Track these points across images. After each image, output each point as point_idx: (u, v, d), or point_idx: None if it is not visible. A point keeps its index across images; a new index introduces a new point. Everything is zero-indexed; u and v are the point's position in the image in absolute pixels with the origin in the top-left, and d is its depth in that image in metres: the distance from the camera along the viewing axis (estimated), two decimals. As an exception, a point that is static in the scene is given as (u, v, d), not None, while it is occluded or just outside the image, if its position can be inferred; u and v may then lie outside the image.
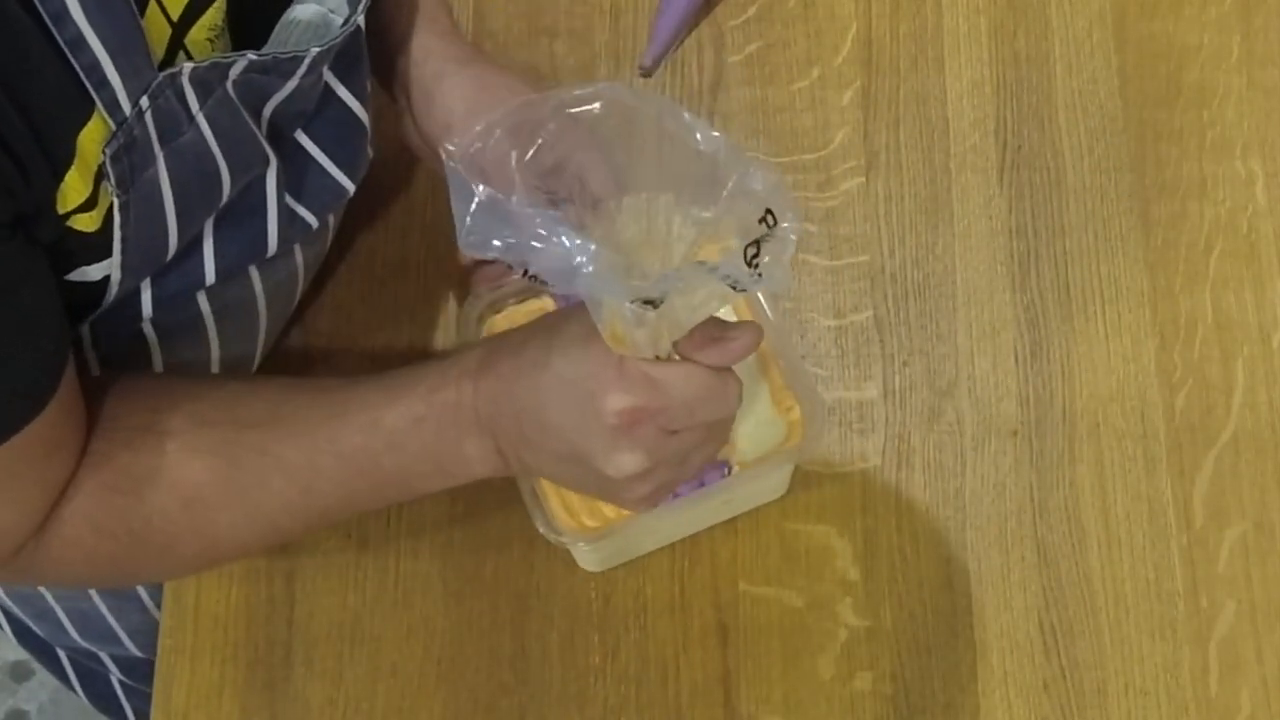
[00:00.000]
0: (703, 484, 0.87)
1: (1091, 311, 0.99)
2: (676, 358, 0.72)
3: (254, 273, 0.86)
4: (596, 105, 0.69)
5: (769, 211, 0.66)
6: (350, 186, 0.86)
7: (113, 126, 0.68)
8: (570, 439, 0.74)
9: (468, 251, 0.68)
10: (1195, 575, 0.92)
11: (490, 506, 0.94)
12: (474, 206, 0.67)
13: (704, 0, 1.06)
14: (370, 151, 0.88)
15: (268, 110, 0.79)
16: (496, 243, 0.67)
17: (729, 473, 0.87)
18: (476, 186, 0.67)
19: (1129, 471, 0.95)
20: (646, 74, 1.05)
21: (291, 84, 0.77)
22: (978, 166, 1.03)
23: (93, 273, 0.74)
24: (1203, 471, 0.95)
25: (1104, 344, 0.98)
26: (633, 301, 0.66)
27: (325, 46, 0.77)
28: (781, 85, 1.06)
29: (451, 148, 0.68)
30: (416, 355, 0.99)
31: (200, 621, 0.93)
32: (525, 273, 0.67)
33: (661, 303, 0.66)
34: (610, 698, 0.91)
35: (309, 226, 0.86)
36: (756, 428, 0.88)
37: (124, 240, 0.72)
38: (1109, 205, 1.01)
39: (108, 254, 0.73)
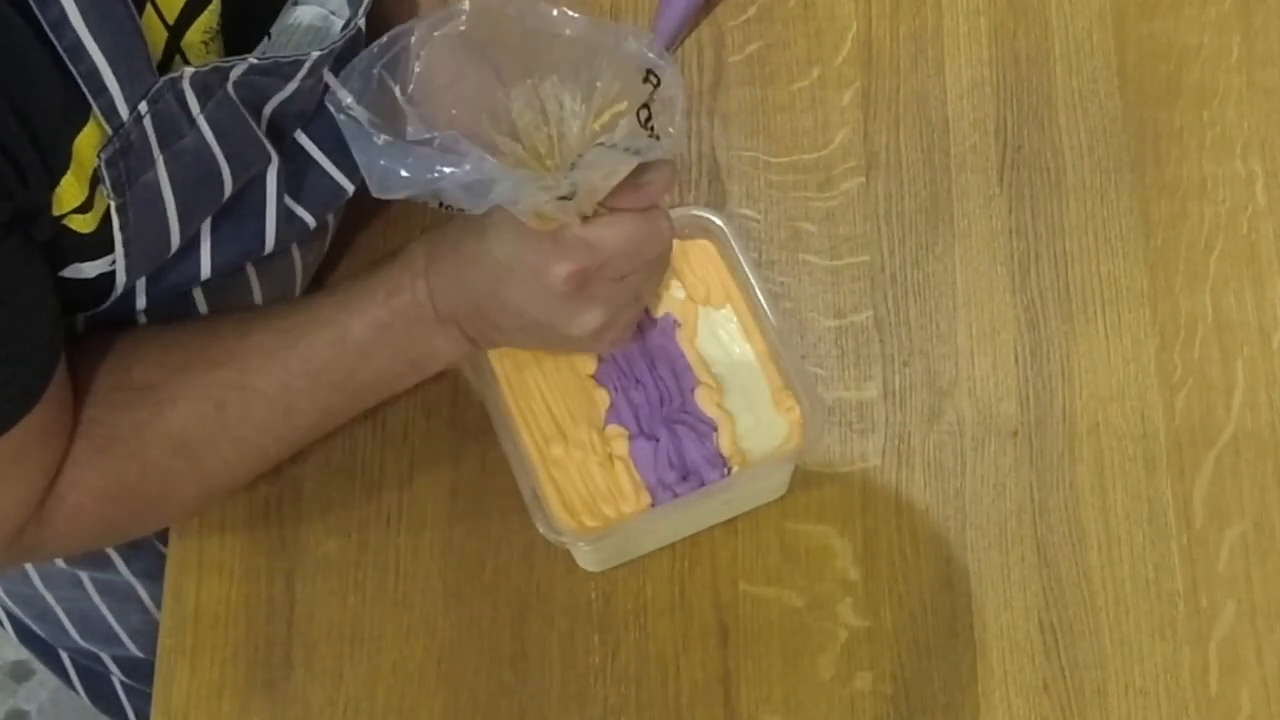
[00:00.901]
0: (703, 484, 0.87)
1: (1091, 311, 0.99)
2: (604, 211, 0.76)
3: (251, 272, 0.86)
4: (461, 20, 0.71)
5: (649, 72, 0.70)
6: (349, 187, 0.86)
7: (108, 131, 0.68)
8: (529, 314, 0.78)
9: (380, 195, 0.70)
10: (1195, 575, 0.92)
11: (490, 506, 0.94)
12: (378, 143, 0.69)
13: (704, 0, 1.06)
14: None
15: (268, 110, 0.79)
16: (404, 174, 0.69)
17: (729, 473, 0.87)
18: (373, 133, 0.69)
19: (1129, 471, 0.95)
20: None
21: (292, 86, 0.77)
22: (978, 166, 1.03)
23: (87, 270, 0.74)
24: (1203, 471, 0.95)
25: (1104, 344, 0.98)
26: (548, 202, 0.70)
27: (326, 50, 0.77)
28: (781, 85, 1.06)
29: (339, 96, 0.70)
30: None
31: (200, 621, 0.93)
32: (440, 204, 0.71)
33: (574, 194, 0.70)
34: (610, 698, 0.91)
35: (307, 227, 0.86)
36: (756, 428, 0.88)
37: (126, 242, 0.73)
38: (1109, 205, 1.01)
39: (103, 252, 0.73)
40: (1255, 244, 1.00)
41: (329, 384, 0.83)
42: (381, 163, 0.69)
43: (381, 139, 0.69)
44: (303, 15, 0.78)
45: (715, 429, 0.87)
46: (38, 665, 1.58)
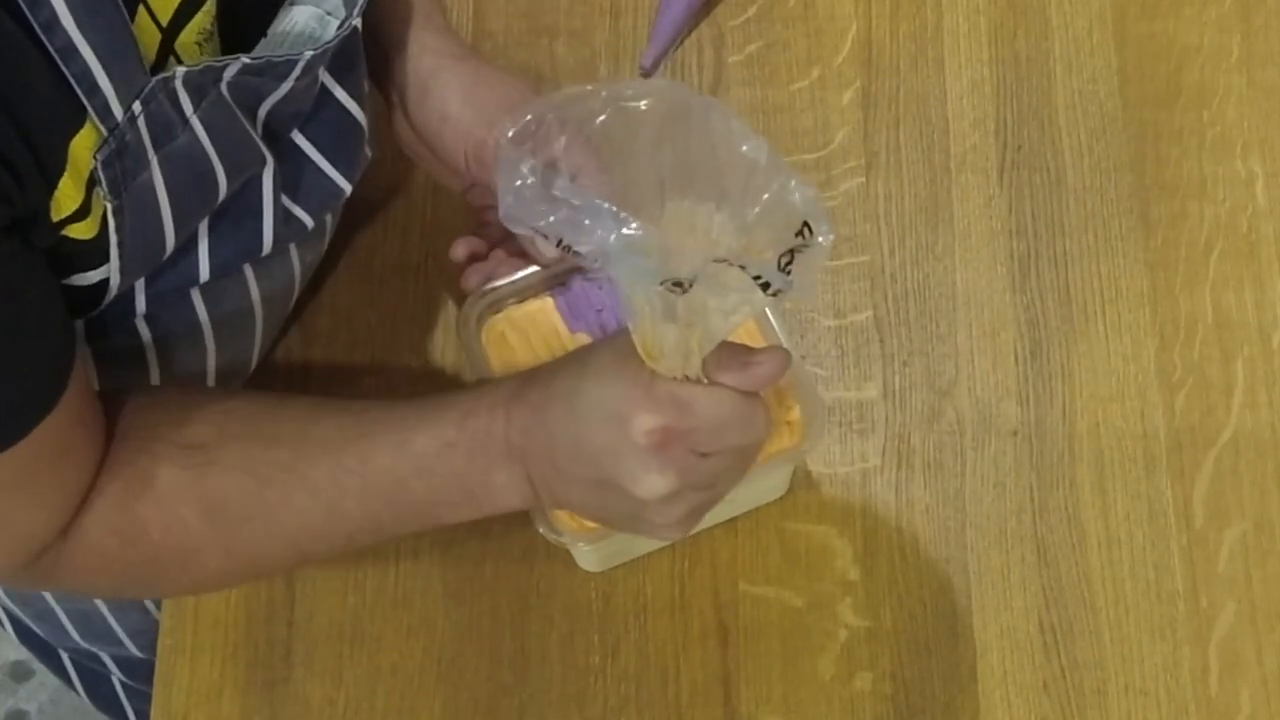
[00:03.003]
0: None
1: (1091, 311, 0.99)
2: (705, 381, 0.72)
3: (249, 272, 0.86)
4: (644, 101, 0.69)
5: (805, 225, 0.67)
6: (347, 187, 0.86)
7: (104, 133, 0.68)
8: (601, 463, 0.74)
9: (507, 223, 0.68)
10: (1195, 575, 0.92)
11: (490, 506, 0.94)
12: (519, 181, 0.67)
13: (704, 0, 1.06)
14: (368, 152, 0.88)
15: (263, 111, 0.79)
16: (539, 215, 0.67)
17: (729, 473, 0.87)
18: (525, 163, 0.67)
19: (1129, 471, 0.95)
20: (646, 74, 1.05)
21: (286, 86, 0.77)
22: (978, 166, 1.03)
23: (91, 277, 0.74)
24: (1203, 471, 0.95)
25: (1104, 344, 0.98)
26: (662, 283, 0.66)
27: (320, 50, 0.77)
28: (781, 85, 1.06)
29: (506, 131, 0.69)
30: (416, 356, 0.99)
31: (200, 621, 0.93)
32: (560, 243, 0.68)
33: (691, 286, 0.66)
34: (610, 698, 0.91)
35: (305, 227, 0.86)
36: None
37: (121, 245, 0.72)
38: (1109, 205, 1.01)
39: (105, 259, 0.73)
40: (1255, 244, 1.00)
41: (379, 490, 0.78)
42: (521, 193, 0.67)
43: (531, 170, 0.67)
44: (298, 16, 0.78)
45: (715, 429, 0.87)
46: (38, 665, 1.58)
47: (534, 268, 0.91)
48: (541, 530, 0.85)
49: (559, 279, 0.92)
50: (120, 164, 0.69)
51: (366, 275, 1.01)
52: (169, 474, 0.77)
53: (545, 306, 0.91)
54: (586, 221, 0.66)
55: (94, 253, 0.72)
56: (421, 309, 1.00)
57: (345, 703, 0.92)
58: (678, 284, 0.66)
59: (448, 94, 0.88)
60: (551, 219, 0.67)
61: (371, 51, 0.89)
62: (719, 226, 0.69)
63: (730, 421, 0.73)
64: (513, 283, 0.91)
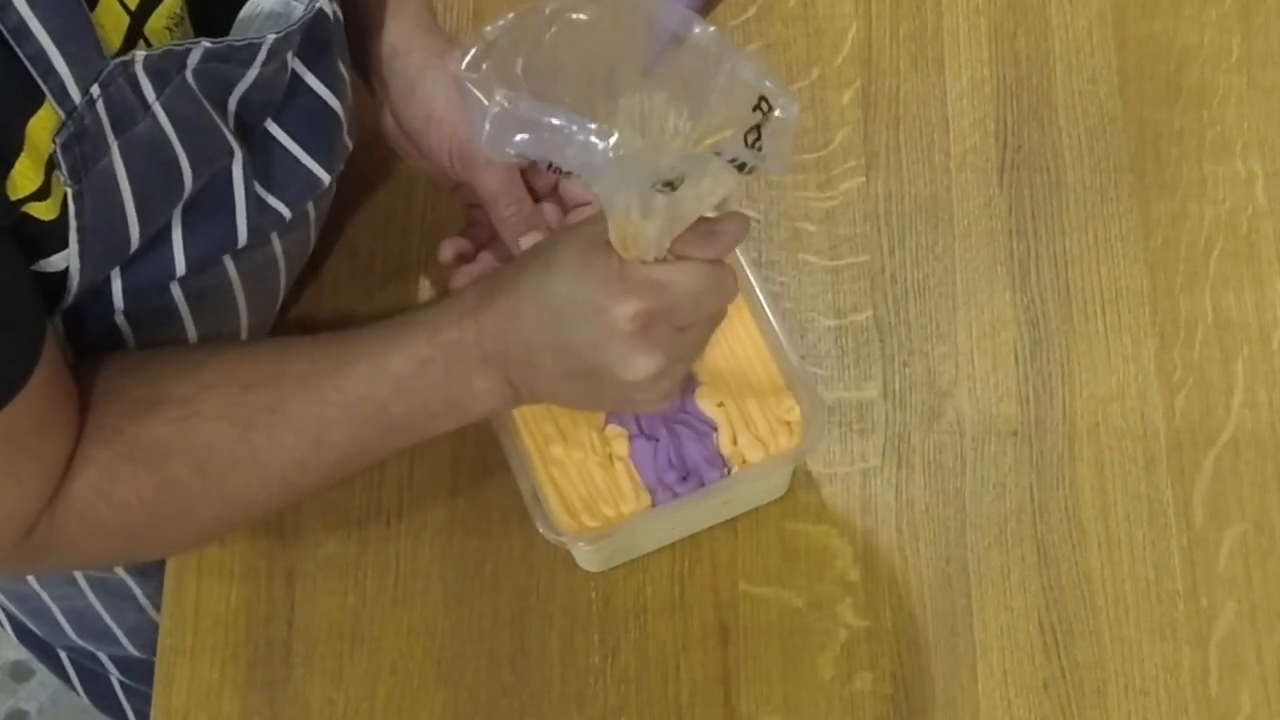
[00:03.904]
0: (703, 484, 0.87)
1: (1091, 311, 0.99)
2: (673, 258, 0.74)
3: (228, 263, 0.85)
4: (590, 8, 0.70)
5: (762, 99, 0.68)
6: (325, 177, 0.86)
7: (62, 116, 0.67)
8: (585, 355, 0.75)
9: (490, 153, 0.69)
10: (1195, 575, 0.92)
11: (490, 506, 0.94)
12: (492, 110, 0.68)
13: (704, 1, 1.06)
14: (349, 142, 0.87)
15: (233, 102, 0.78)
16: (518, 138, 0.68)
17: (729, 473, 0.87)
18: (498, 91, 0.69)
19: (1129, 471, 0.95)
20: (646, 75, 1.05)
21: (252, 73, 0.77)
22: (978, 166, 1.03)
23: (56, 263, 0.73)
24: (1203, 471, 0.95)
25: (1104, 344, 0.98)
26: (653, 185, 0.68)
27: (283, 33, 0.76)
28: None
29: (460, 61, 0.69)
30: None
31: (200, 621, 0.93)
32: (550, 166, 0.70)
33: (680, 184, 0.68)
34: (610, 698, 0.91)
35: (282, 217, 0.85)
36: (756, 428, 0.88)
37: (80, 230, 0.72)
38: (1109, 205, 1.01)
39: (65, 244, 0.73)
40: (1255, 244, 1.00)
41: (362, 417, 0.79)
42: (495, 123, 0.68)
43: (501, 97, 0.68)
44: (264, 1, 0.78)
45: (715, 429, 0.87)
46: (38, 665, 1.58)
47: None
48: (541, 530, 0.85)
49: None
50: (80, 148, 0.69)
51: (366, 275, 1.01)
52: (152, 432, 0.77)
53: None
54: (570, 137, 0.68)
55: (54, 236, 0.72)
56: (422, 309, 1.00)
57: (345, 703, 0.92)
58: (668, 183, 0.68)
59: (433, 93, 0.88)
60: (532, 139, 0.68)
61: (356, 43, 0.89)
62: (673, 118, 0.70)
63: (705, 291, 0.75)
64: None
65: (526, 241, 0.88)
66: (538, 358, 0.77)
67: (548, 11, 0.71)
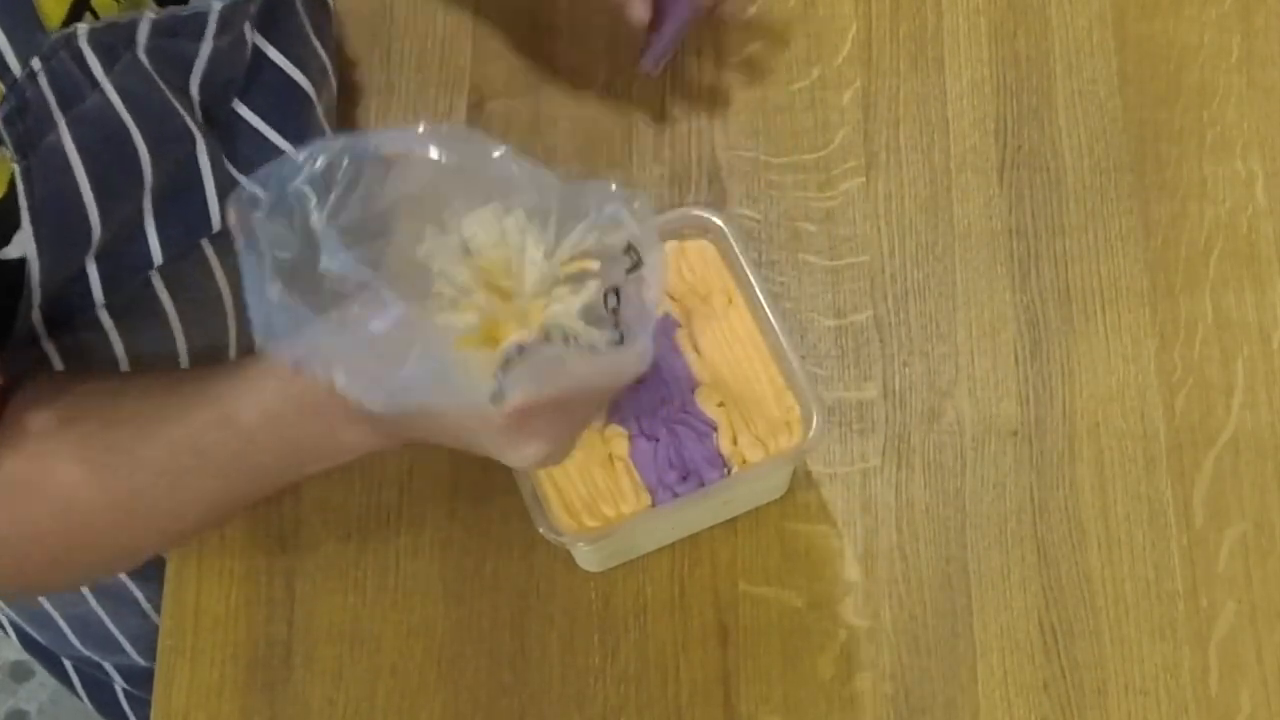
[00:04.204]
0: (703, 484, 0.87)
1: (1091, 311, 0.99)
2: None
3: (209, 251, 0.84)
4: (427, 144, 0.61)
5: (630, 247, 0.61)
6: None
7: (2, 89, 0.67)
8: (463, 438, 0.71)
9: (264, 345, 0.61)
10: (1195, 575, 0.92)
11: (490, 506, 0.94)
12: (269, 299, 0.59)
13: (697, 18, 1.03)
14: (326, 124, 0.86)
15: (194, 85, 0.77)
16: (300, 345, 0.59)
17: (729, 473, 0.87)
18: (269, 279, 0.58)
19: (1129, 471, 0.95)
20: (650, 77, 1.05)
21: (205, 48, 0.75)
22: (978, 166, 1.03)
23: (11, 251, 0.72)
24: (1203, 471, 0.95)
25: (1104, 344, 0.98)
26: (471, 403, 0.61)
27: (230, 0, 0.75)
28: (781, 85, 1.06)
29: (236, 205, 0.61)
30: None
31: (200, 621, 0.93)
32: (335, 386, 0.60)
33: (501, 400, 0.61)
34: (610, 698, 0.91)
35: (258, 198, 0.83)
36: (757, 428, 0.88)
37: (32, 210, 0.71)
38: (1109, 205, 1.01)
39: (18, 225, 0.71)
40: (1255, 244, 1.00)
41: (216, 468, 0.73)
42: (275, 313, 0.59)
43: (276, 290, 0.58)
44: None
45: (715, 429, 0.87)
46: (38, 666, 1.58)
47: None
48: (541, 530, 0.85)
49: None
50: (23, 122, 0.68)
51: (366, 275, 1.01)
52: (18, 469, 0.73)
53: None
54: (359, 336, 0.58)
55: (6, 218, 0.70)
56: (421, 309, 1.00)
57: (345, 703, 0.92)
58: (498, 394, 0.61)
59: None
60: (319, 342, 0.58)
61: None
62: (534, 237, 0.63)
63: (593, 374, 0.68)
64: None
65: None
66: (413, 424, 0.71)
67: (368, 146, 0.62)
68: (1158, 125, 1.03)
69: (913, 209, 1.02)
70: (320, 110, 0.85)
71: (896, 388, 0.97)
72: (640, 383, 0.89)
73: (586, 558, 0.92)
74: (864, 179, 1.03)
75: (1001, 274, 1.00)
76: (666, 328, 0.90)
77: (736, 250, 0.90)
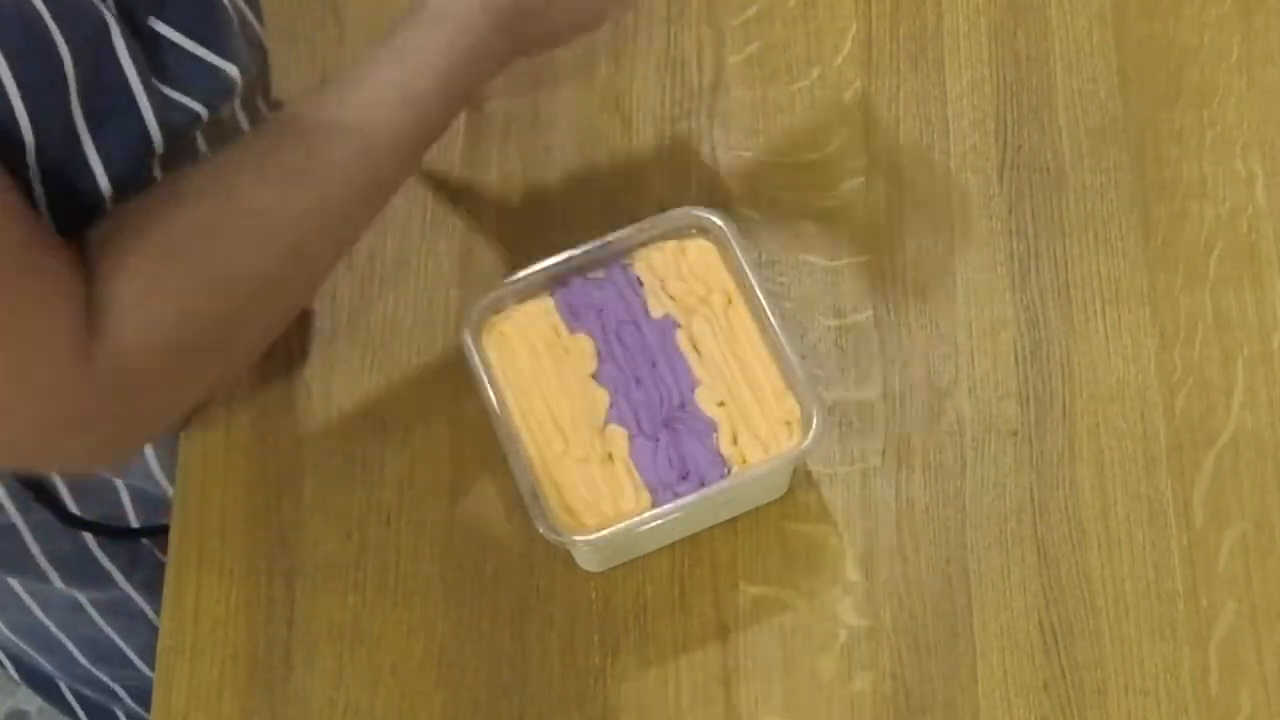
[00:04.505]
0: (703, 484, 0.87)
1: (1091, 311, 0.99)
2: None
3: (158, 175, 0.82)
4: None
5: None
6: (232, 70, 0.83)
7: None
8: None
9: None
10: (1195, 575, 0.92)
11: (490, 507, 0.94)
12: None
13: None
14: (248, 38, 0.85)
15: None
16: None
17: (729, 473, 0.87)
18: None
19: (1129, 471, 0.95)
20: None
21: None
22: (978, 166, 1.03)
23: None
24: (1203, 471, 0.95)
25: (1104, 344, 0.98)
26: None
27: None
28: (781, 85, 1.06)
29: None
30: (416, 354, 0.99)
31: (200, 622, 0.93)
32: None
33: None
34: (610, 698, 0.91)
35: (197, 114, 0.82)
36: (757, 428, 0.88)
37: None
38: (1109, 205, 1.01)
39: None
40: (1255, 244, 1.00)
41: (410, 139, 0.82)
42: None
43: None
44: None
45: (715, 429, 0.87)
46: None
47: (535, 267, 0.91)
48: (541, 530, 0.85)
49: (559, 278, 0.92)
50: None
51: (366, 275, 1.01)
52: (206, 212, 0.75)
53: (545, 306, 0.92)
54: None
55: None
56: (421, 308, 1.00)
57: (345, 703, 0.92)
58: None
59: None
60: None
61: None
62: None
63: None
64: (513, 282, 0.91)
65: None
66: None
67: None
68: (1158, 125, 1.03)
69: (913, 209, 1.02)
70: (236, 22, 0.84)
71: (896, 388, 0.97)
72: (640, 383, 0.89)
73: (586, 558, 0.92)
74: (864, 179, 1.03)
75: (1001, 274, 1.00)
76: (666, 327, 0.90)
77: (737, 250, 0.90)
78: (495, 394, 0.88)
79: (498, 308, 0.91)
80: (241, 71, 0.84)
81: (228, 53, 0.83)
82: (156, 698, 0.92)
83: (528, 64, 1.06)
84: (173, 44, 0.80)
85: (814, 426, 0.87)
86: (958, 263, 1.00)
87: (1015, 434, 0.96)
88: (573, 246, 0.93)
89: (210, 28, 0.82)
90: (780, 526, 0.94)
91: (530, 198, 1.03)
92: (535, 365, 0.90)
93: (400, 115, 0.80)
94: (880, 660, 0.91)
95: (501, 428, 0.88)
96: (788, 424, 0.88)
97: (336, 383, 0.99)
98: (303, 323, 1.00)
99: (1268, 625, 0.91)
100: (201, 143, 0.86)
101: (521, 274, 0.91)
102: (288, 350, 0.99)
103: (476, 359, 0.89)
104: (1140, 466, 0.95)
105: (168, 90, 0.80)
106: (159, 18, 0.80)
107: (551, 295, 0.92)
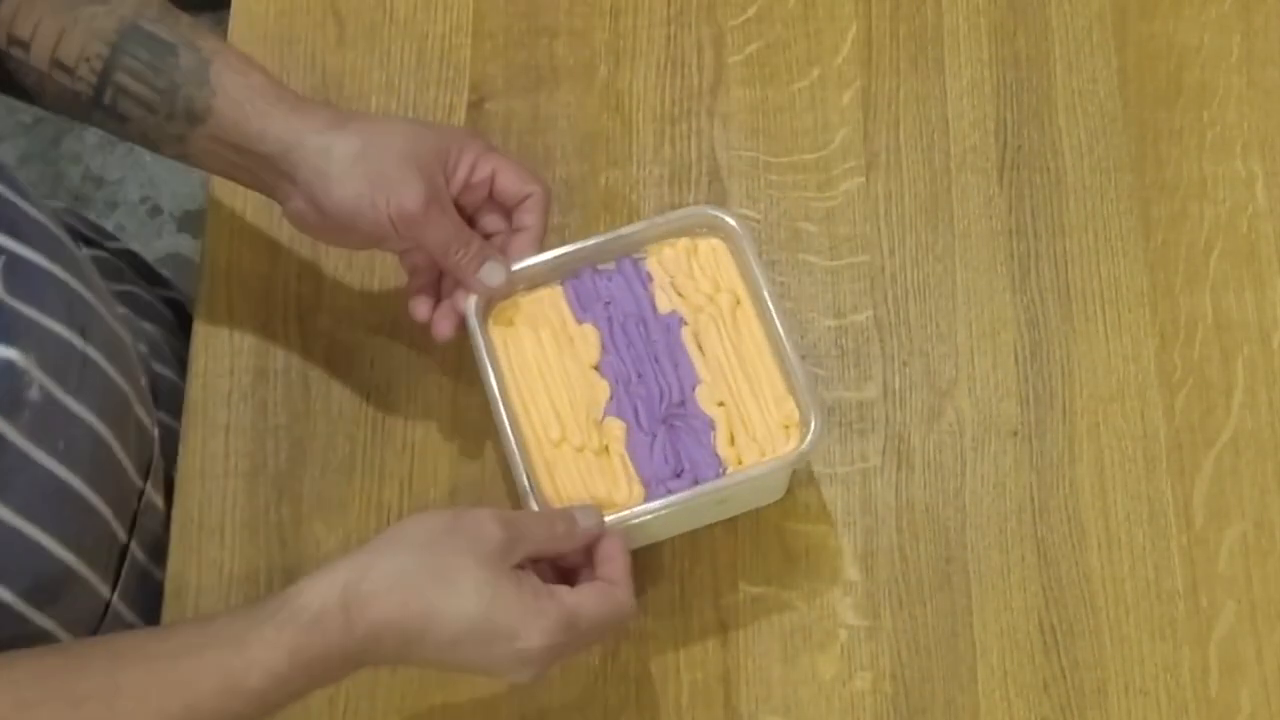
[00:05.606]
0: (697, 482, 0.86)
1: (1091, 311, 0.99)
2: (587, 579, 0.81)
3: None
4: None
5: None
6: None
7: None
8: (476, 664, 0.77)
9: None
10: (1195, 575, 0.92)
11: (489, 506, 0.94)
12: None
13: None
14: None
15: None
16: None
17: (724, 473, 0.86)
18: None
19: (1129, 471, 0.95)
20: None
21: None
22: (978, 166, 1.03)
23: None
24: (1203, 471, 0.95)
25: (1104, 344, 0.98)
26: None
27: None
28: (781, 85, 1.06)
29: None
30: (417, 354, 0.99)
31: (200, 621, 0.93)
32: None
33: None
34: (610, 698, 0.91)
35: None
36: (756, 428, 0.87)
37: None
38: (1109, 205, 1.01)
39: None
40: (1255, 244, 1.00)
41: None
42: None
43: None
44: None
45: (713, 428, 0.87)
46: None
47: (546, 254, 0.90)
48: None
49: (569, 268, 0.91)
50: None
51: (367, 275, 1.01)
52: None
53: (554, 294, 0.91)
54: None
55: None
56: (421, 309, 1.00)
57: (345, 703, 0.91)
58: None
59: (356, 171, 0.85)
60: None
61: (223, 158, 0.86)
62: None
63: (612, 616, 0.80)
64: (523, 269, 0.90)
65: (485, 273, 0.88)
66: (414, 651, 0.76)
67: None
68: (1158, 125, 1.03)
69: (913, 209, 1.02)
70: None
71: (896, 388, 0.97)
72: (641, 377, 0.89)
73: (585, 556, 0.92)
74: (864, 179, 1.03)
75: (1001, 274, 1.00)
76: (672, 324, 0.90)
77: (749, 252, 0.90)
78: (496, 377, 0.88)
79: (506, 293, 0.91)
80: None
81: None
82: (156, 698, 0.92)
83: (528, 64, 1.07)
84: None
85: (811, 433, 0.86)
86: (958, 263, 1.00)
87: (1015, 434, 0.96)
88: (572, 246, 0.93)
89: None
90: (780, 526, 0.94)
91: (530, 198, 1.03)
92: (539, 351, 0.89)
93: (215, 703, 0.72)
94: (880, 660, 0.91)
95: (499, 412, 0.87)
96: (786, 428, 0.87)
97: (336, 383, 0.99)
98: (303, 322, 1.00)
99: (1268, 625, 0.91)
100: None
101: (532, 261, 0.90)
102: (288, 350, 0.99)
103: (480, 341, 0.89)
104: (1140, 466, 0.95)
105: None
106: None
107: (561, 284, 0.92)
